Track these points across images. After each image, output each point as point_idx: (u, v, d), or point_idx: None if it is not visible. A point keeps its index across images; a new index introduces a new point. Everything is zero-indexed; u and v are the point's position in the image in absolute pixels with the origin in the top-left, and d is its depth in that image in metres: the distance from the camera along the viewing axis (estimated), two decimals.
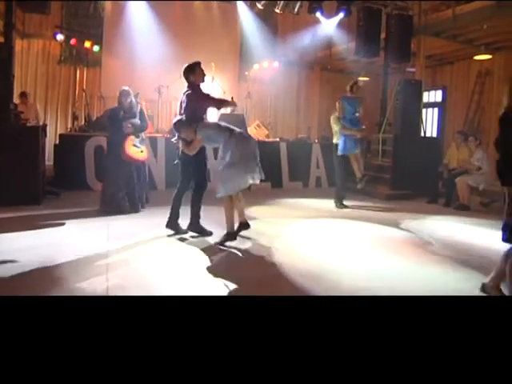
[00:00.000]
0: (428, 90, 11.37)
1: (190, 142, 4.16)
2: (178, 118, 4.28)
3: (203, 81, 4.43)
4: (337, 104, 6.53)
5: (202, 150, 4.40)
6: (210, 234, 4.46)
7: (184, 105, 4.29)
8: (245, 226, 4.24)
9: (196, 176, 4.45)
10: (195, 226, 4.50)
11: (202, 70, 4.43)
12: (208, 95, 4.41)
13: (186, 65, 4.44)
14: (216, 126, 4.21)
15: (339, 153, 6.42)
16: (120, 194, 5.28)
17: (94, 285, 3.01)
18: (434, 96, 11.80)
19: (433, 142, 9.32)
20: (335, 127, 6.57)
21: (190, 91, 4.32)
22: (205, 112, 4.38)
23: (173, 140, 4.48)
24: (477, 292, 3.05)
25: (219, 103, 4.65)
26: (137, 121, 5.37)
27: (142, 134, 5.55)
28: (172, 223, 4.48)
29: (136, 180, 5.42)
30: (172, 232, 4.52)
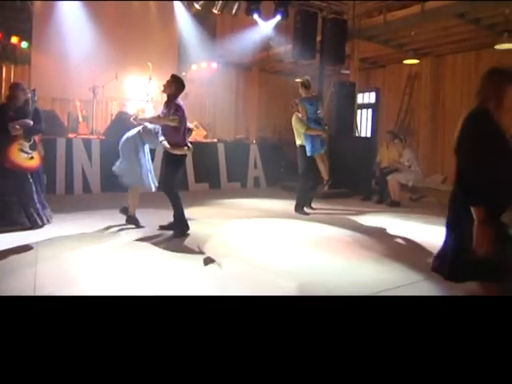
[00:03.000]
0: (362, 92, 11.79)
1: None
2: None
3: None
4: (299, 107, 6.33)
5: None
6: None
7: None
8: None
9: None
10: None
11: None
12: None
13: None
14: None
15: (308, 154, 6.29)
16: (12, 208, 4.48)
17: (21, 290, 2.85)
18: (368, 97, 12.26)
19: (367, 142, 9.68)
20: (300, 129, 6.27)
21: None
22: None
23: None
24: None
25: None
26: (27, 121, 4.54)
27: (35, 138, 4.69)
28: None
29: (27, 191, 4.58)
30: (105, 233, 4.51)
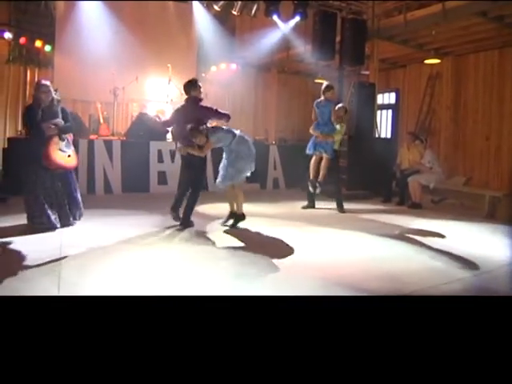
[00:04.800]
0: (382, 93, 11.68)
1: (202, 145, 4.82)
2: (191, 125, 4.80)
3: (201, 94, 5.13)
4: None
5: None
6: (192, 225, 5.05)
7: (193, 115, 4.90)
8: (242, 216, 5.13)
9: (197, 177, 5.09)
10: (187, 222, 5.01)
11: (200, 85, 5.11)
12: (211, 107, 5.12)
13: (187, 81, 5.11)
14: (221, 129, 4.98)
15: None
16: (47, 209, 4.55)
17: (45, 294, 2.91)
18: (388, 98, 12.14)
19: (387, 143, 9.58)
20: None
21: (194, 104, 5.00)
22: (207, 121, 5.03)
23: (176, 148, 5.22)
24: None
25: (219, 115, 5.18)
26: (60, 120, 4.60)
27: (68, 137, 4.73)
28: (175, 208, 5.07)
29: (64, 190, 4.70)
30: (127, 234, 4.57)
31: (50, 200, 4.58)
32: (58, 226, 4.62)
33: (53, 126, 4.49)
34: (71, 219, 4.81)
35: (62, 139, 4.61)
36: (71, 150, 4.74)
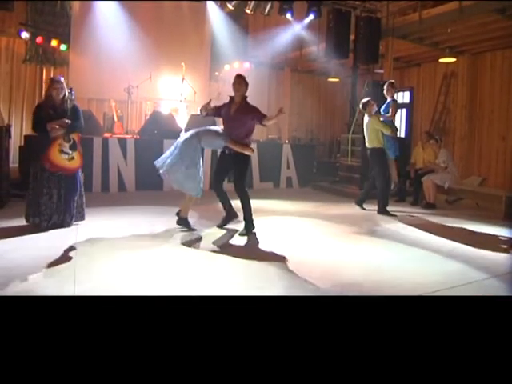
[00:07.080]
0: (396, 91, 11.57)
1: None
2: None
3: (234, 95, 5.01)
4: (391, 107, 6.71)
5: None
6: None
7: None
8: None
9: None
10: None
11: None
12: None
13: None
14: (213, 132, 4.75)
15: (393, 155, 6.64)
16: (43, 210, 4.44)
17: (61, 289, 2.94)
18: (402, 97, 12.03)
19: (401, 142, 9.48)
20: (385, 130, 6.22)
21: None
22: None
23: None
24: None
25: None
26: (65, 120, 4.40)
27: (75, 138, 4.53)
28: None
29: (64, 193, 4.52)
30: (141, 232, 4.60)
31: (49, 201, 4.46)
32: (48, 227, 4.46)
33: (56, 127, 4.36)
34: (67, 222, 4.60)
35: (66, 140, 4.47)
36: (76, 152, 4.55)
